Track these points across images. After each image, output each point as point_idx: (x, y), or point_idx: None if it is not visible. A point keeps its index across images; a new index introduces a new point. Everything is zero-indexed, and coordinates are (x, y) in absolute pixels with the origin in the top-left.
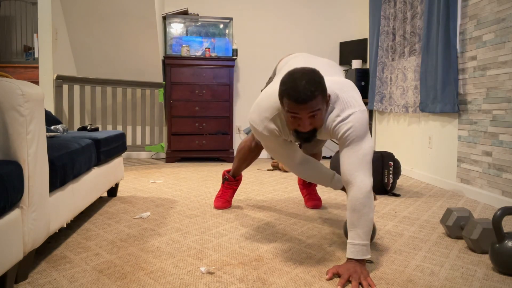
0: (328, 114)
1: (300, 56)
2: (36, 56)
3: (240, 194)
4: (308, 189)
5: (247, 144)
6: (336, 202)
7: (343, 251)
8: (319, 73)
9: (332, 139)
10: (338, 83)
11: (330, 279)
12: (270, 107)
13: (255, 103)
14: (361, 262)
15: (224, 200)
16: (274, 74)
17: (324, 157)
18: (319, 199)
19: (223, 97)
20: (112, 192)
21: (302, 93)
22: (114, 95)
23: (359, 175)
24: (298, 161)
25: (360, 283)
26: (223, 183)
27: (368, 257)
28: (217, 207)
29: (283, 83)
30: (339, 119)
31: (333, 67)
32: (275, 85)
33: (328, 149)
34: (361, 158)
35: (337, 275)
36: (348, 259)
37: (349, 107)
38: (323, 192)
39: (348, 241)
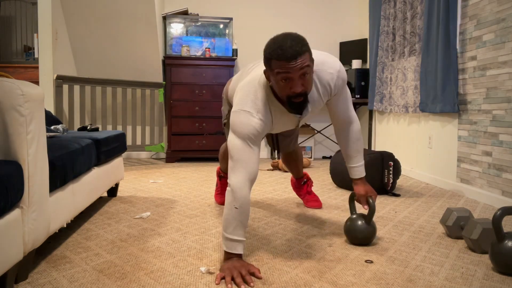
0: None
1: (239, 72)
2: (36, 56)
3: None
4: (302, 190)
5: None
6: (336, 202)
7: (343, 251)
8: (300, 34)
9: (331, 139)
10: (318, 52)
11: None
12: (255, 94)
13: (238, 100)
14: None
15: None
16: (228, 103)
17: (324, 157)
18: (318, 199)
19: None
20: (112, 192)
21: (290, 49)
22: (114, 95)
23: (353, 114)
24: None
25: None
26: (220, 180)
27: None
28: (220, 202)
29: (268, 47)
30: (325, 77)
31: None
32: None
33: (329, 149)
34: (350, 101)
35: (359, 195)
36: (357, 180)
37: (328, 65)
38: (323, 192)
39: (355, 165)
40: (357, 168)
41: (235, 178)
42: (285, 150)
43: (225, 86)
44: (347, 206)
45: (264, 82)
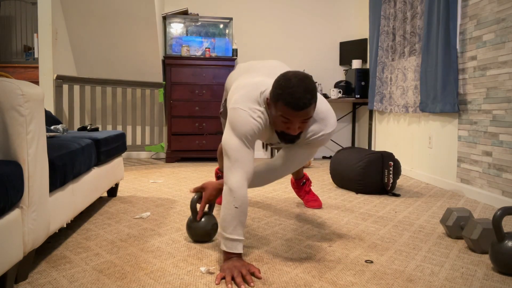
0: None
1: (248, 64)
2: (36, 56)
3: None
4: (302, 190)
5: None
6: (336, 202)
7: (343, 251)
8: (311, 79)
9: (331, 139)
10: (320, 99)
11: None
12: (260, 98)
13: (241, 95)
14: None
15: None
16: (227, 93)
17: (324, 157)
18: (317, 199)
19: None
20: (112, 192)
21: (300, 101)
22: (114, 95)
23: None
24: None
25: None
26: (218, 180)
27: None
28: (219, 203)
29: (279, 87)
30: (315, 131)
31: (284, 67)
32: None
33: (328, 149)
34: (302, 159)
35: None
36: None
37: (326, 126)
38: (323, 192)
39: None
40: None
41: (233, 178)
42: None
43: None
44: (347, 206)
45: (266, 97)
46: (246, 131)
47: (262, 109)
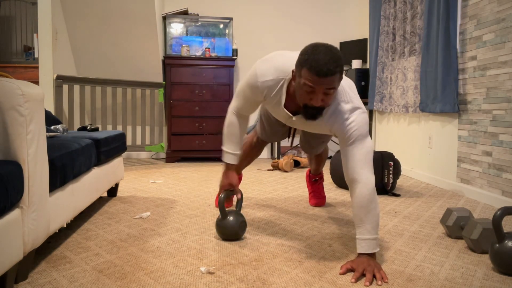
0: (334, 103)
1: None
2: (36, 56)
3: None
4: (314, 186)
5: (248, 141)
6: (337, 202)
7: (343, 251)
8: (340, 51)
9: (332, 139)
10: (346, 82)
11: (344, 273)
12: (279, 70)
13: (267, 59)
14: (372, 255)
15: None
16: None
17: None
18: (323, 197)
19: (223, 97)
20: (112, 192)
21: (325, 67)
22: (114, 95)
23: (364, 172)
24: (237, 116)
25: (373, 276)
26: None
27: (377, 250)
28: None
29: (306, 52)
30: (344, 116)
31: None
32: (289, 54)
33: (329, 149)
34: (364, 156)
35: (350, 270)
36: (360, 254)
37: (353, 107)
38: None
39: (357, 236)
40: (360, 241)
41: (232, 105)
42: (315, 150)
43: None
44: (347, 206)
45: (293, 68)
46: (252, 89)
47: (282, 76)
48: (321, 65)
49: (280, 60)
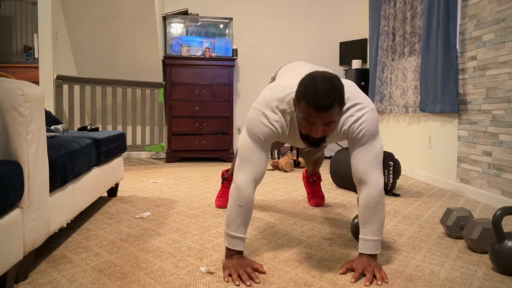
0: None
1: (304, 63)
2: (36, 56)
3: None
4: (312, 186)
5: None
6: (336, 202)
7: (343, 251)
8: (340, 80)
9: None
10: (346, 84)
11: (344, 273)
12: (285, 101)
13: (270, 89)
14: (374, 256)
15: (225, 199)
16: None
17: (324, 157)
18: (322, 197)
19: (223, 97)
20: (112, 192)
21: (322, 100)
22: (114, 95)
23: (374, 174)
24: (247, 181)
25: (374, 276)
26: (222, 182)
27: (379, 251)
28: (219, 206)
29: (303, 84)
30: (353, 119)
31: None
32: (290, 80)
33: (329, 149)
34: (374, 157)
35: (350, 269)
36: (361, 254)
37: (361, 106)
38: (324, 191)
39: (360, 236)
40: (363, 241)
41: (241, 177)
42: (314, 157)
43: (280, 68)
44: (347, 206)
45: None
46: (259, 132)
47: (288, 110)
48: (319, 99)
49: (277, 95)
